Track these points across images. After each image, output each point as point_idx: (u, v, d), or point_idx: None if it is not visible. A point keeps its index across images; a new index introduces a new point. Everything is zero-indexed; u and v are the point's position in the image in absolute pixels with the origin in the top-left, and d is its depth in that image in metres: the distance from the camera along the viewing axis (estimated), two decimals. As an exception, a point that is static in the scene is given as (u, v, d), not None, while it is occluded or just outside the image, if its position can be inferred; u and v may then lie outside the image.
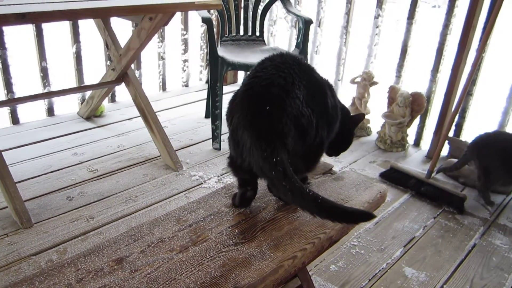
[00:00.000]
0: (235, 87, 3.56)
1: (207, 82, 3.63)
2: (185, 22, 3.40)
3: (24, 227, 1.83)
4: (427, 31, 4.20)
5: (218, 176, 2.33)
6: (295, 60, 1.14)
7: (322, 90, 1.17)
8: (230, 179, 2.12)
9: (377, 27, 2.90)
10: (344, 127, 1.30)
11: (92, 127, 2.79)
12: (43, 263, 1.65)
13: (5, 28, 2.50)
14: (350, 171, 1.56)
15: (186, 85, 3.64)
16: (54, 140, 2.59)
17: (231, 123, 1.11)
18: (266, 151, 1.01)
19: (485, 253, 1.92)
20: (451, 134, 2.61)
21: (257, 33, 2.98)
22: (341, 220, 1.04)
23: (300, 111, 1.06)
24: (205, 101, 3.14)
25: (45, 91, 2.77)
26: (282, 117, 1.03)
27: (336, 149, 1.37)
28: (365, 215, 1.05)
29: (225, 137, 2.30)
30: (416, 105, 2.74)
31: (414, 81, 3.07)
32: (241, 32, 2.96)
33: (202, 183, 2.26)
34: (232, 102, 1.14)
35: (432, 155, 2.57)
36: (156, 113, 2.45)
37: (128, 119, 2.93)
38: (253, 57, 2.69)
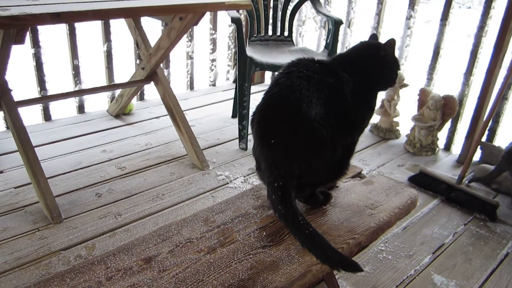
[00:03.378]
0: (262, 87, 3.56)
1: (234, 81, 3.65)
2: (214, 21, 3.41)
3: (55, 222, 1.87)
4: (459, 33, 4.10)
5: (244, 177, 2.33)
6: (317, 68, 1.15)
7: (340, 95, 1.14)
8: (256, 179, 2.11)
9: (408, 28, 2.84)
10: (383, 65, 1.25)
11: (121, 125, 2.83)
12: (72, 258, 1.69)
13: (39, 27, 2.56)
14: (380, 175, 1.52)
15: (214, 85, 3.65)
16: (84, 137, 2.64)
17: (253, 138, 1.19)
18: (272, 175, 1.08)
19: (518, 263, 1.86)
20: (484, 139, 2.53)
21: (286, 34, 2.96)
22: (325, 261, 1.03)
23: (314, 134, 1.08)
24: (232, 100, 3.14)
25: (77, 89, 2.83)
26: (292, 145, 1.08)
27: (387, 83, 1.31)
28: (352, 266, 1.02)
29: (251, 137, 2.30)
30: (447, 108, 2.67)
31: (446, 84, 3.00)
32: (270, 32, 2.95)
33: (228, 183, 2.26)
34: (252, 117, 1.20)
35: (463, 160, 2.50)
36: (184, 112, 2.46)
37: (156, 117, 2.97)
38: (282, 57, 2.67)
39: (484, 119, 2.26)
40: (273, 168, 1.08)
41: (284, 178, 1.07)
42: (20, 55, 2.44)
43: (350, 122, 1.16)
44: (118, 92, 2.91)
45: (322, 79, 1.12)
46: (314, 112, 1.07)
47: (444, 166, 2.64)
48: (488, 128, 2.54)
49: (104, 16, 2.01)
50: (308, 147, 1.09)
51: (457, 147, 2.79)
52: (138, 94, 3.17)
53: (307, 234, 1.03)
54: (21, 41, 1.71)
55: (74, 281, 0.94)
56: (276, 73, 1.28)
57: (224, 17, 3.45)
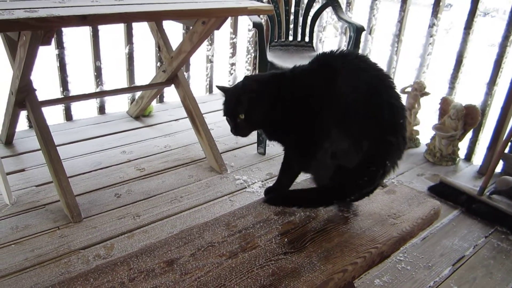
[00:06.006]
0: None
1: (253, 86, 3.65)
2: (235, 26, 3.43)
3: (74, 221, 1.89)
4: (481, 42, 4.05)
5: (262, 181, 2.32)
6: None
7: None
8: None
9: (431, 36, 2.81)
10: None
11: (141, 127, 2.86)
12: (91, 258, 1.70)
13: (64, 29, 2.60)
14: (402, 185, 1.51)
15: (232, 89, 3.66)
16: (104, 138, 2.67)
17: None
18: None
19: (541, 278, 1.81)
20: (506, 150, 2.48)
21: (307, 39, 2.96)
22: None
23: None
24: (250, 105, 3.14)
25: (98, 90, 2.87)
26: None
27: None
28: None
29: (270, 142, 2.29)
30: (469, 118, 2.63)
31: (468, 93, 2.96)
32: (290, 38, 2.95)
33: (246, 187, 2.26)
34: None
35: (485, 171, 2.46)
36: (203, 115, 2.48)
37: (175, 120, 2.98)
38: (302, 63, 2.66)
39: (508, 130, 2.22)
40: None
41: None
42: (43, 56, 2.48)
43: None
44: (138, 94, 2.94)
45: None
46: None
47: (464, 177, 2.60)
48: (511, 139, 2.49)
49: (129, 19, 2.04)
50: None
51: (478, 158, 2.74)
52: (158, 96, 3.19)
53: None
54: (48, 42, 1.75)
55: (98, 281, 0.94)
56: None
57: (244, 21, 3.47)
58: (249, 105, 1.20)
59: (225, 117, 1.26)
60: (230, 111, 1.24)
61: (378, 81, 1.15)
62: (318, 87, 1.18)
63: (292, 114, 1.21)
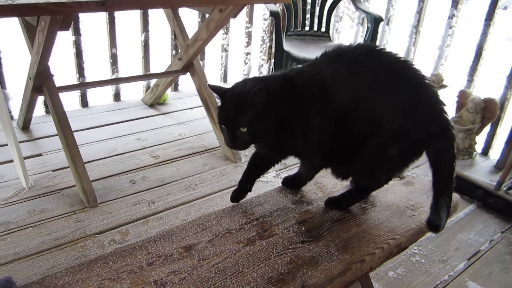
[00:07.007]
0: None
1: (267, 76, 3.63)
2: (250, 15, 3.40)
3: (90, 206, 1.91)
4: (499, 34, 3.97)
5: (276, 171, 2.32)
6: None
7: None
8: (289, 174, 2.11)
9: (450, 27, 2.77)
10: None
11: (155, 114, 2.86)
12: (107, 242, 1.72)
13: (80, 15, 2.60)
14: (420, 177, 1.49)
15: (247, 78, 3.64)
16: (119, 125, 2.68)
17: None
18: None
19: (558, 275, 1.79)
20: (525, 145, 2.44)
21: (323, 29, 2.93)
22: None
23: None
24: (265, 95, 3.12)
25: (113, 77, 2.87)
26: None
27: None
28: None
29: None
30: (488, 112, 2.59)
31: (487, 87, 2.91)
32: (307, 28, 2.93)
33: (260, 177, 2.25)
34: None
35: (502, 166, 2.43)
36: (218, 104, 2.47)
37: (190, 108, 2.98)
38: (318, 53, 2.63)
39: (528, 124, 2.18)
40: None
41: None
42: (59, 42, 2.49)
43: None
44: (153, 81, 2.94)
45: None
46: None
47: (481, 171, 2.56)
48: (530, 134, 2.46)
49: (147, 5, 2.03)
50: None
51: (495, 152, 2.70)
52: (173, 84, 3.19)
53: None
54: (67, 27, 1.75)
55: (116, 264, 0.95)
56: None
57: (259, 11, 3.44)
58: (255, 117, 1.02)
59: (219, 125, 1.09)
60: (229, 121, 1.05)
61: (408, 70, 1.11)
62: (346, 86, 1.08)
63: (316, 121, 1.06)
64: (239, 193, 1.26)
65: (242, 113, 1.02)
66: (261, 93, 1.01)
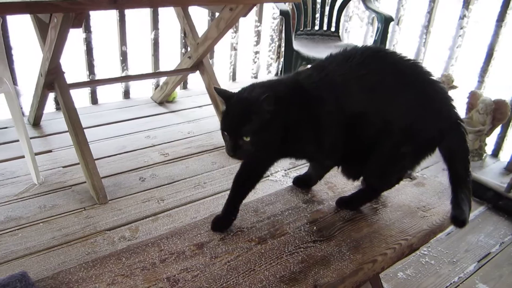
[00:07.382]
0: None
1: (276, 75, 3.63)
2: (260, 14, 3.40)
3: (100, 203, 1.92)
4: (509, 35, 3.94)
5: (285, 170, 2.32)
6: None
7: None
8: (297, 173, 2.11)
9: (461, 28, 2.75)
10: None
11: (164, 112, 2.87)
12: (117, 239, 1.73)
13: (91, 12, 2.61)
14: (431, 178, 1.48)
15: (255, 77, 3.65)
16: (129, 122, 2.69)
17: None
18: None
19: None
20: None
21: (333, 29, 2.93)
22: None
23: None
24: (273, 94, 3.12)
25: (123, 74, 2.89)
26: None
27: None
28: None
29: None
30: (498, 113, 2.57)
31: (498, 88, 2.89)
32: (316, 27, 2.92)
33: (268, 176, 2.26)
34: None
35: (513, 168, 2.41)
36: (227, 103, 2.47)
37: (199, 106, 2.99)
38: (327, 52, 2.63)
39: (539, 126, 2.16)
40: None
41: None
42: (69, 40, 2.51)
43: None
44: (162, 79, 2.95)
45: None
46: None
47: (491, 173, 2.55)
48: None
49: (158, 3, 2.03)
50: None
51: (506, 154, 2.68)
52: (182, 83, 3.20)
53: None
54: (79, 25, 1.76)
55: (129, 261, 0.96)
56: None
57: (268, 10, 3.44)
58: (261, 126, 0.97)
59: (222, 131, 1.03)
60: (232, 129, 0.99)
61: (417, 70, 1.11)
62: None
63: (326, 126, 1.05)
64: (225, 221, 1.10)
65: (247, 122, 0.97)
66: (269, 101, 0.96)
